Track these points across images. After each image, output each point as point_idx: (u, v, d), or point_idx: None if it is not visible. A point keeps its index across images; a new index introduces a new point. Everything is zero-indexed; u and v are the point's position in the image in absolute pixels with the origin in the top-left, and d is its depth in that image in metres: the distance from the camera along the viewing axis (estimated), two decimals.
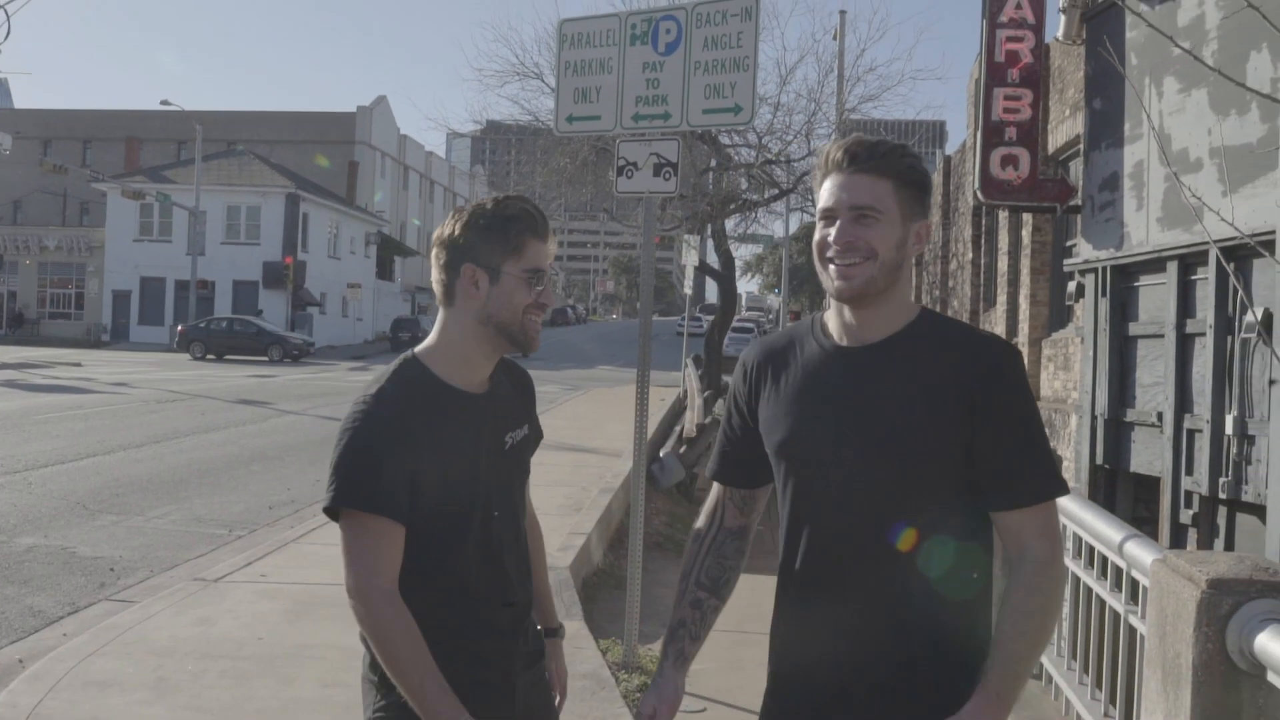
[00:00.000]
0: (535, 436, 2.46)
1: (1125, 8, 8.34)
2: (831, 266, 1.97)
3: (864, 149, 1.98)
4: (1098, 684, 4.49)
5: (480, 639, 2.24)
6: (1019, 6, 10.72)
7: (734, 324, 34.76)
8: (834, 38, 32.79)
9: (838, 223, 1.96)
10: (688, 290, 30.42)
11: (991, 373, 1.93)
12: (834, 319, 2.07)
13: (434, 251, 2.30)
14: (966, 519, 1.96)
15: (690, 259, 25.66)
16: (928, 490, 1.92)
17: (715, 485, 2.29)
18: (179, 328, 40.53)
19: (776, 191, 23.80)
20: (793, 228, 56.52)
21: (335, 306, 51.36)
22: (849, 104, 23.05)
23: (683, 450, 18.33)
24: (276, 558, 7.94)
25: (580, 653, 5.95)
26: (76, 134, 58.48)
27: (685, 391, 23.75)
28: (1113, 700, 4.31)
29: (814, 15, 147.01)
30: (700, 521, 2.30)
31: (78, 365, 31.50)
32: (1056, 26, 11.01)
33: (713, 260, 26.50)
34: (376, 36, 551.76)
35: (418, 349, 2.30)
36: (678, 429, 20.71)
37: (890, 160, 1.98)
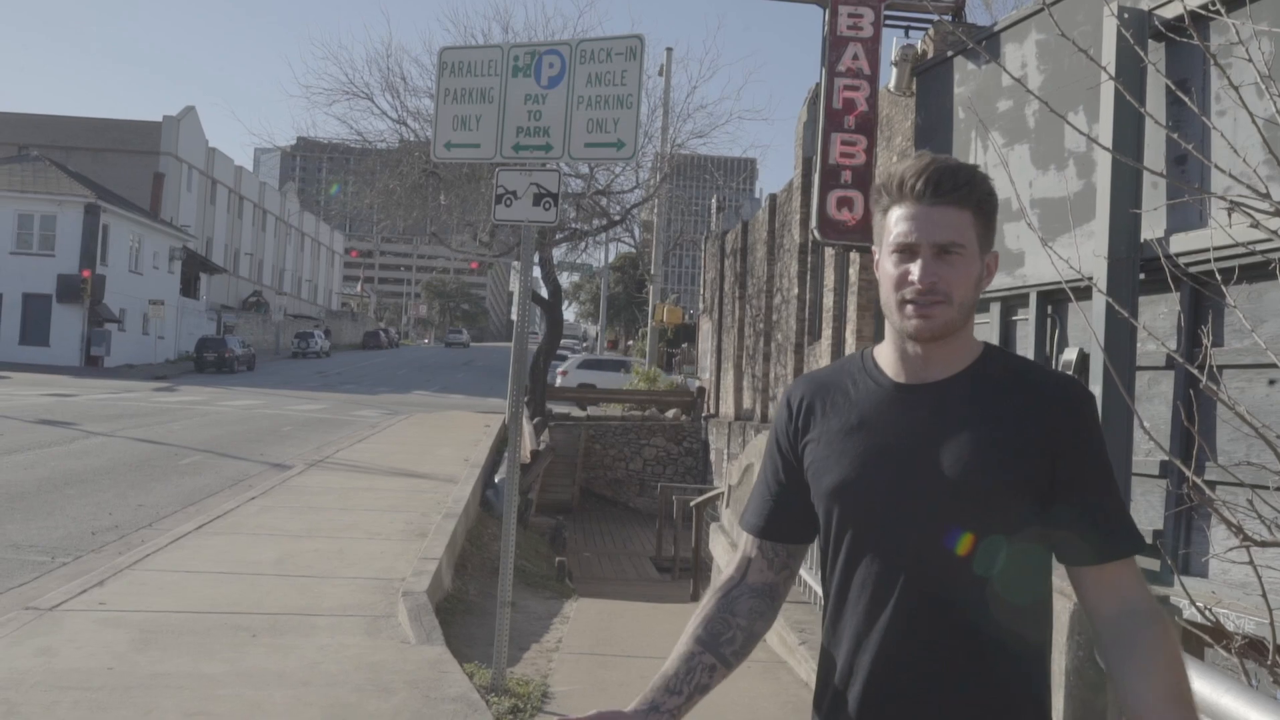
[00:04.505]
0: None
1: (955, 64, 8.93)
2: (909, 306, 1.80)
3: (947, 177, 1.79)
4: None
5: None
6: (855, 58, 11.32)
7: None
8: (659, 73, 33.62)
9: (919, 260, 1.79)
10: (514, 316, 30.65)
11: (1074, 416, 1.81)
12: (889, 353, 1.90)
13: None
14: (1034, 568, 1.84)
15: (518, 286, 25.83)
16: (999, 537, 1.77)
17: (745, 537, 2.03)
18: None
19: (605, 221, 24.18)
20: (610, 256, 57.43)
21: (135, 323, 48.87)
22: (679, 139, 23.70)
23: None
24: (114, 584, 7.60)
25: (447, 676, 5.97)
26: None
27: None
28: None
29: (648, 50, 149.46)
30: (724, 573, 2.05)
31: None
32: (889, 77, 11.66)
33: (539, 288, 26.73)
34: (189, 46, 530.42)
35: None
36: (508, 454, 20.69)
37: (973, 189, 1.81)
